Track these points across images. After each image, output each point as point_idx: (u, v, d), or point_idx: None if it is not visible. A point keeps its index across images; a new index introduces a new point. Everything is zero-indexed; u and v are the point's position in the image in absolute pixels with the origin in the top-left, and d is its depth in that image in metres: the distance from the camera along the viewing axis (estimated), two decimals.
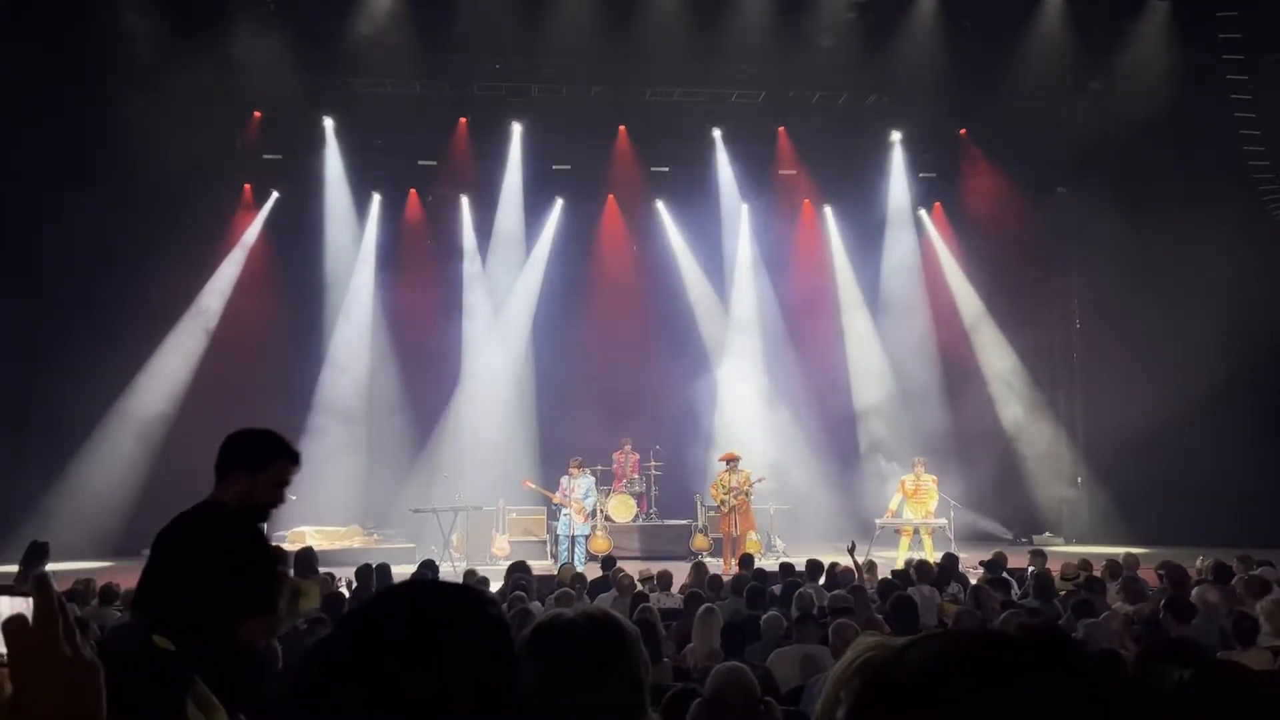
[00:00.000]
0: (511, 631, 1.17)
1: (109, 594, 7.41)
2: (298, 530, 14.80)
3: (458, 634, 1.08)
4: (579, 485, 14.03)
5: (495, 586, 8.67)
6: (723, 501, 13.86)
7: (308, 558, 8.64)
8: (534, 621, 1.73)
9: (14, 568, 8.97)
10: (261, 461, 3.25)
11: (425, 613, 1.11)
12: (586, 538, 14.09)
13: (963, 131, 17.44)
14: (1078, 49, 15.41)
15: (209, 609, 2.94)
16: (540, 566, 12.80)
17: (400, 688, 1.03)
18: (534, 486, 14.43)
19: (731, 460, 14.14)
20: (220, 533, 3.13)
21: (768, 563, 11.66)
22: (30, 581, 1.03)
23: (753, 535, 14.53)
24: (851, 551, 7.88)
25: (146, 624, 2.96)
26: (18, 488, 14.01)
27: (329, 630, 1.18)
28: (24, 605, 1.03)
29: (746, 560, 9.73)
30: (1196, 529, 13.99)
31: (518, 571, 8.51)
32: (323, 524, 14.99)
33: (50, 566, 9.07)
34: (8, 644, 1.00)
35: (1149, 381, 14.79)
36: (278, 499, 3.31)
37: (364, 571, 8.32)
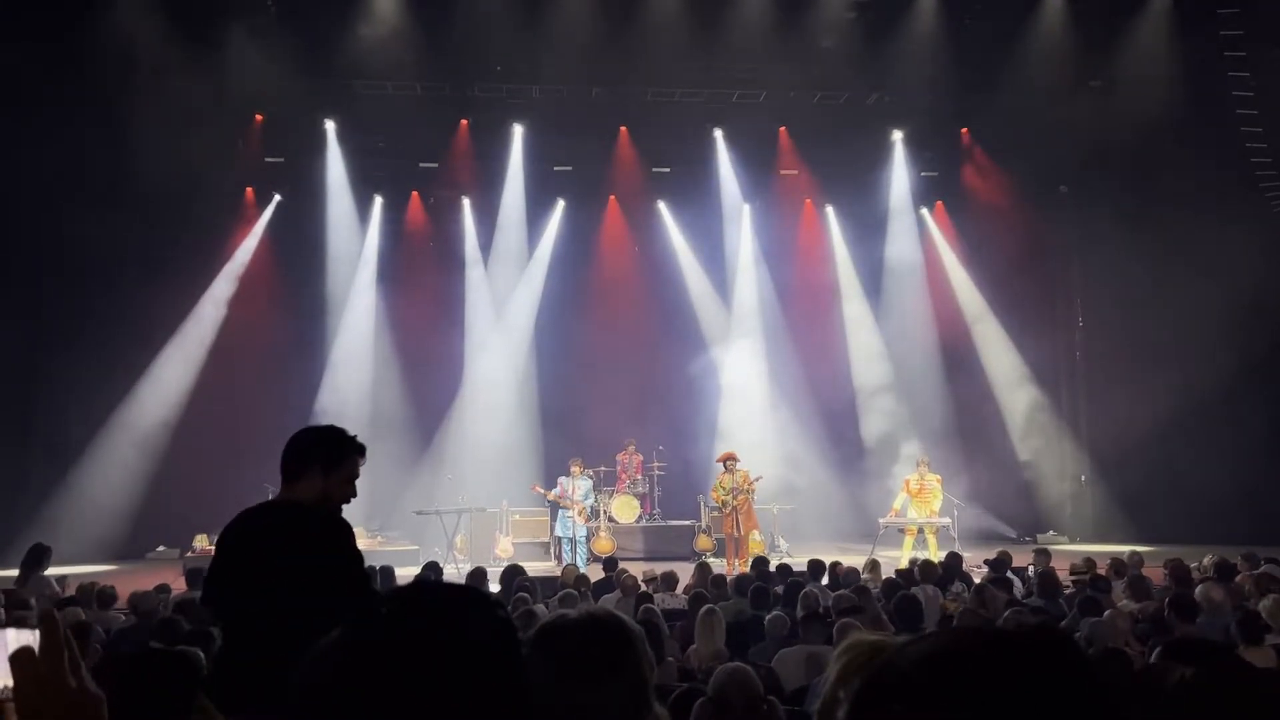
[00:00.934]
0: (518, 633, 1.17)
1: (106, 598, 7.41)
2: None
3: (463, 636, 1.08)
4: (579, 486, 14.03)
5: (495, 587, 8.68)
6: (724, 503, 13.85)
7: None
8: (538, 623, 1.73)
9: (15, 571, 8.96)
10: (335, 459, 3.24)
11: (430, 615, 1.11)
12: (587, 539, 14.08)
13: (964, 130, 17.43)
14: (1078, 46, 15.40)
15: (316, 613, 2.86)
16: (543, 568, 12.81)
17: (407, 690, 1.03)
18: (542, 491, 14.43)
19: (729, 460, 14.14)
20: (331, 539, 3.09)
21: (771, 562, 11.65)
22: (38, 616, 1.05)
23: (756, 535, 14.52)
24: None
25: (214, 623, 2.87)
26: (21, 493, 14.03)
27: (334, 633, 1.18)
28: (30, 638, 1.04)
29: (759, 562, 9.71)
30: (1200, 527, 13.98)
31: (516, 575, 8.46)
32: None
33: (52, 571, 9.08)
34: (15, 675, 1.01)
35: (1152, 379, 14.80)
36: (350, 495, 3.31)
37: (369, 573, 8.31)
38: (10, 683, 1.02)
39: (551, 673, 1.58)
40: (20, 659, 1.01)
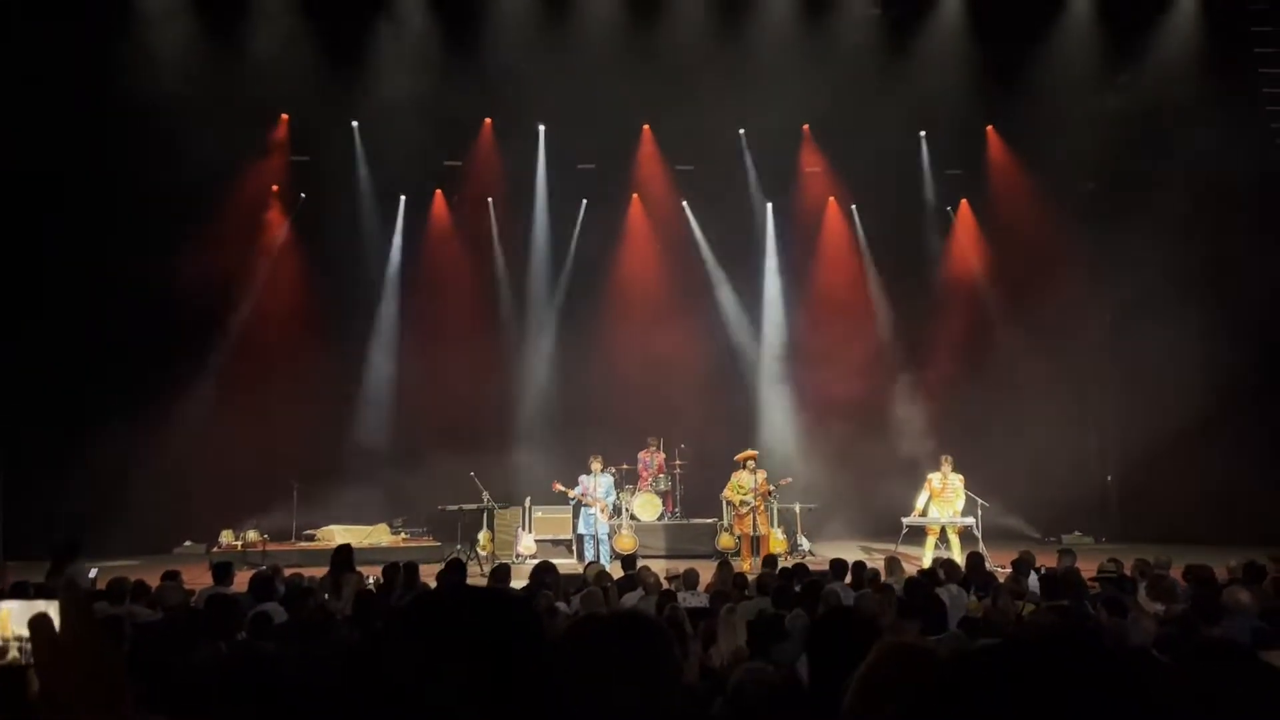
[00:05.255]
0: (542, 628, 1.18)
1: (139, 591, 7.49)
2: (327, 529, 14.96)
3: (489, 635, 1.10)
4: (601, 483, 14.06)
5: (518, 584, 8.74)
6: (742, 502, 13.85)
7: (346, 554, 8.75)
8: (566, 621, 1.74)
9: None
10: None
11: (456, 616, 1.12)
12: (609, 536, 14.11)
13: (989, 128, 17.31)
14: (1105, 41, 15.29)
15: None
16: (566, 565, 12.85)
17: (436, 687, 1.05)
18: (563, 489, 14.49)
19: (749, 460, 14.13)
20: None
21: (780, 561, 11.67)
22: (61, 581, 1.09)
23: (778, 534, 14.53)
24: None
25: None
26: (50, 490, 14.19)
27: (355, 633, 1.20)
28: (43, 606, 1.07)
29: (770, 561, 9.74)
30: (1229, 529, 13.82)
31: (544, 573, 8.55)
32: (350, 523, 15.15)
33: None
34: (33, 641, 1.04)
35: (1180, 377, 14.61)
36: None
37: (391, 570, 8.39)
38: (29, 647, 1.06)
39: (582, 671, 1.58)
40: (37, 625, 1.04)
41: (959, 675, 0.87)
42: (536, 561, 9.52)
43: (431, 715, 1.04)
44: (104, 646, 1.06)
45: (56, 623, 1.04)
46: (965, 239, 18.00)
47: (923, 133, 17.40)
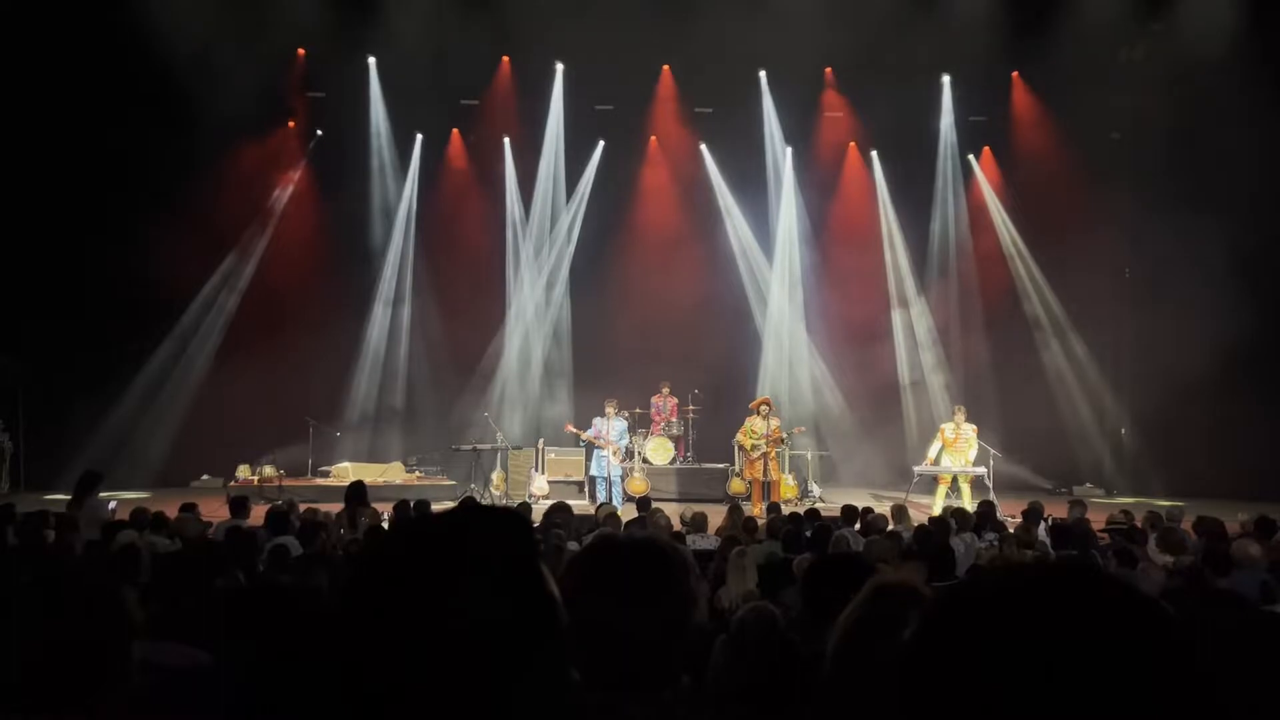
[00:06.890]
0: (534, 540, 1.19)
1: (159, 522, 7.63)
2: (341, 466, 15.12)
3: (484, 546, 1.10)
4: (614, 427, 14.13)
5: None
6: (754, 447, 13.88)
7: (360, 489, 8.86)
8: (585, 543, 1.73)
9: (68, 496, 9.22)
10: None
11: (437, 528, 1.13)
12: (622, 479, 14.21)
13: (1015, 74, 17.00)
14: None
15: None
16: (578, 507, 12.96)
17: (441, 598, 1.05)
18: (576, 431, 14.56)
19: (763, 406, 14.15)
20: None
21: (805, 508, 11.72)
22: (81, 511, 1.09)
23: (789, 480, 14.61)
24: None
25: None
26: (71, 422, 14.37)
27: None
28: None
29: (774, 507, 9.83)
30: (1242, 483, 13.81)
31: (556, 513, 8.62)
32: (365, 461, 15.30)
33: (101, 496, 9.35)
34: None
35: (1198, 331, 14.49)
36: None
37: (403, 507, 8.49)
38: None
39: (595, 591, 1.57)
40: None
41: (951, 604, 0.88)
42: (551, 503, 9.63)
43: (432, 629, 1.05)
44: None
45: None
46: (986, 186, 17.78)
47: (946, 77, 17.09)
